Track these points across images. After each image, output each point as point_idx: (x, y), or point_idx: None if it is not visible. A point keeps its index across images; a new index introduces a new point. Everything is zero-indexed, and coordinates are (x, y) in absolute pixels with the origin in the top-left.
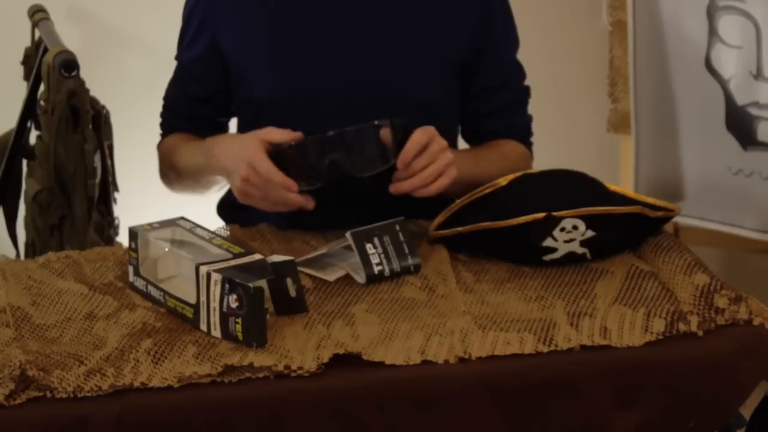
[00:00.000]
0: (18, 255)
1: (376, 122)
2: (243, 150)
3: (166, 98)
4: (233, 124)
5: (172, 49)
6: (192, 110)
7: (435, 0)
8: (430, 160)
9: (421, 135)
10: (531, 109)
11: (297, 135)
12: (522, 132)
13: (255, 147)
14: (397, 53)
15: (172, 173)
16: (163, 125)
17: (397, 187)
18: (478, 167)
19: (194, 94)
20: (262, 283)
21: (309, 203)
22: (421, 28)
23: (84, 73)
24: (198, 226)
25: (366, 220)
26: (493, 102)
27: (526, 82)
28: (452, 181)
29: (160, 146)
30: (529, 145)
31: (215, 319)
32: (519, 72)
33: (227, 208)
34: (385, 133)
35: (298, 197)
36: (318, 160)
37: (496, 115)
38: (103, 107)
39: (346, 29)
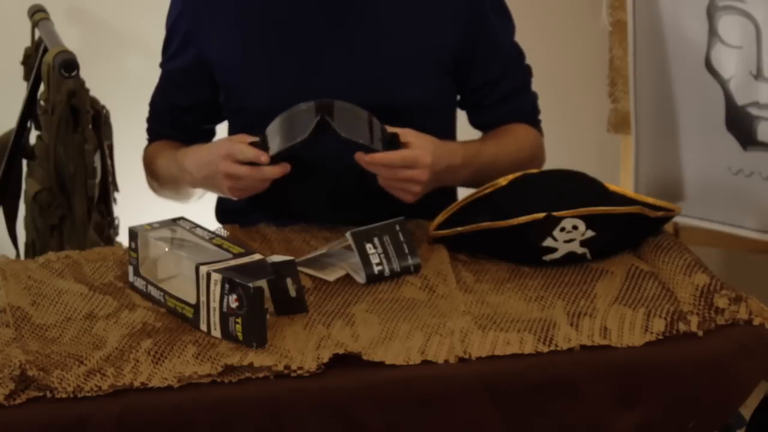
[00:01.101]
0: (18, 255)
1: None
2: (215, 152)
3: (151, 105)
4: (222, 128)
5: None
6: (176, 118)
7: (422, 6)
8: (396, 176)
9: (406, 156)
10: None
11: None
12: (528, 113)
13: (226, 143)
14: (386, 58)
15: (155, 182)
16: (149, 131)
17: (361, 159)
18: (485, 153)
19: (178, 103)
20: (262, 283)
21: (284, 168)
22: (410, 31)
23: (84, 73)
24: (198, 226)
25: (365, 220)
26: (495, 92)
27: (526, 62)
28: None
29: (143, 155)
30: (537, 123)
31: (215, 319)
32: (518, 56)
33: (226, 214)
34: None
35: (276, 168)
36: (309, 118)
37: (501, 103)
38: (103, 107)
39: (336, 37)
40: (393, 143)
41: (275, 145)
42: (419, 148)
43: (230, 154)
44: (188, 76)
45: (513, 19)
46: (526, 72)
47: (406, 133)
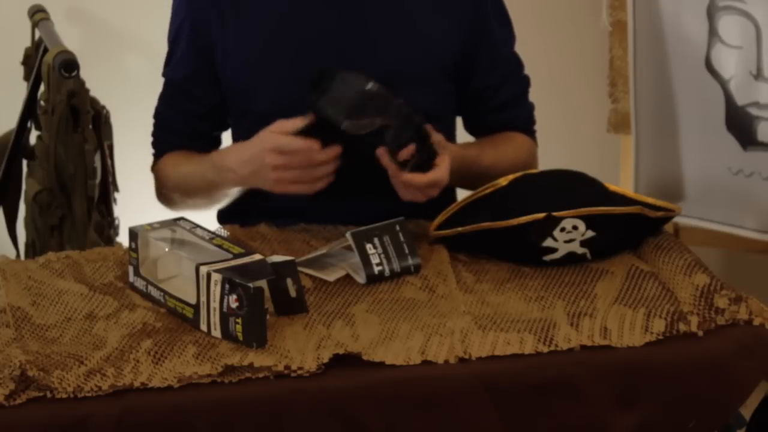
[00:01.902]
0: (18, 255)
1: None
2: (259, 146)
3: (157, 116)
4: (225, 136)
5: None
6: (189, 127)
7: (426, 7)
8: (416, 190)
9: (430, 181)
10: None
11: (308, 119)
12: (525, 122)
13: (269, 136)
14: (391, 62)
15: (177, 194)
16: (156, 144)
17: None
18: (484, 158)
19: (191, 111)
20: (262, 283)
21: (335, 151)
22: (415, 35)
23: (84, 73)
24: (198, 226)
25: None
26: (494, 99)
27: (525, 72)
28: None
29: (156, 168)
30: (532, 133)
31: (215, 319)
32: (518, 65)
33: (228, 218)
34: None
35: (329, 151)
36: (352, 91)
37: (498, 110)
38: (103, 107)
39: (341, 40)
40: (429, 160)
41: (335, 112)
42: (444, 170)
43: (276, 148)
44: (197, 81)
45: (513, 29)
46: (525, 81)
47: (437, 146)
